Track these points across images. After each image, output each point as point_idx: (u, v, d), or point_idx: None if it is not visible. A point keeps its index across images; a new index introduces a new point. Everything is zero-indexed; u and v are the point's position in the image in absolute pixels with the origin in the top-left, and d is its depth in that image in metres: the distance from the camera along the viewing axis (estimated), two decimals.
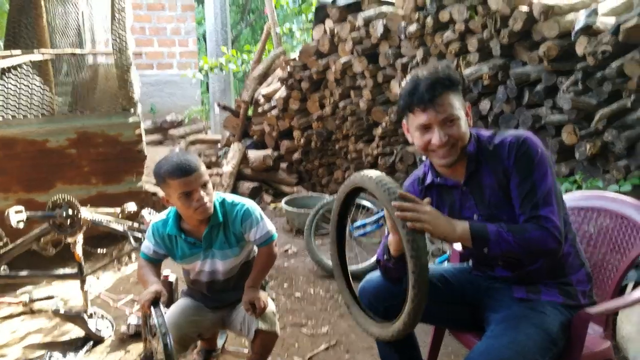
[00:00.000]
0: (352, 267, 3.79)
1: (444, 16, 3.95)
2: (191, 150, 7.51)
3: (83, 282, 2.94)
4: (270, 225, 2.24)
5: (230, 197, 2.23)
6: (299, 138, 5.66)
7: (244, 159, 5.97)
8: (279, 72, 6.21)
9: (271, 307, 2.25)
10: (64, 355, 2.80)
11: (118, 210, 3.00)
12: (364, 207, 4.27)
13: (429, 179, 1.93)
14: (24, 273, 3.15)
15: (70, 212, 2.80)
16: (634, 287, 2.69)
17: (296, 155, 5.83)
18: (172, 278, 2.80)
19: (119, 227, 2.88)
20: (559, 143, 3.32)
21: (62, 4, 5.21)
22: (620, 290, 2.39)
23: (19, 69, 4.02)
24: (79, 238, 2.88)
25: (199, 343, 2.56)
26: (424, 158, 4.11)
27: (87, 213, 2.84)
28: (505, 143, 1.75)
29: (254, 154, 5.98)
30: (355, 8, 4.96)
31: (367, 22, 4.64)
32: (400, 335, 1.68)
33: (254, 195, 5.66)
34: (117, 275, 3.81)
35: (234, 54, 7.65)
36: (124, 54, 4.14)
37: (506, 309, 1.80)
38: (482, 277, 2.00)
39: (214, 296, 2.30)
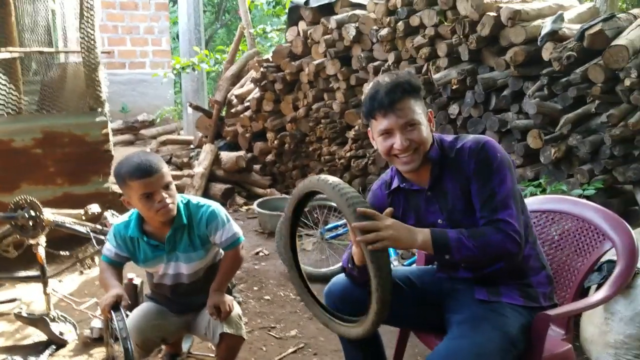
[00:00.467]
0: (323, 270, 3.79)
1: (414, 21, 3.99)
2: (162, 151, 7.43)
3: (45, 284, 2.87)
4: (236, 228, 2.21)
5: (195, 199, 2.20)
6: (272, 139, 5.64)
7: (216, 160, 5.91)
8: (252, 73, 6.18)
9: (237, 310, 2.22)
10: None
11: (82, 211, 2.95)
12: (335, 209, 4.27)
13: (394, 184, 1.94)
14: None
15: (32, 213, 2.74)
16: (597, 289, 2.74)
17: (270, 157, 5.81)
18: (137, 281, 2.76)
19: (82, 229, 2.83)
20: (524, 147, 3.38)
21: (32, 2, 5.11)
22: (582, 292, 2.43)
23: None
24: (42, 240, 2.81)
25: (163, 347, 2.52)
26: None
27: (49, 214, 2.78)
28: (465, 148, 1.78)
29: (226, 155, 5.93)
30: (328, 11, 4.98)
31: (340, 25, 4.66)
32: (359, 337, 1.73)
33: (226, 197, 5.61)
34: (81, 278, 3.74)
35: (207, 54, 7.59)
36: (92, 52, 4.07)
37: (467, 310, 1.82)
38: (446, 278, 2.01)
39: (179, 300, 2.26)
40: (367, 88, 1.90)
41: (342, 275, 2.02)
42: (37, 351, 2.82)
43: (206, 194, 5.56)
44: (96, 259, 3.63)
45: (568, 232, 2.15)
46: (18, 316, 2.84)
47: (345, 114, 4.87)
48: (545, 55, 3.25)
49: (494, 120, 3.55)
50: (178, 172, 6.10)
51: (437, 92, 3.96)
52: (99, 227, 2.90)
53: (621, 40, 3.00)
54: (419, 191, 1.89)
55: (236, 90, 6.41)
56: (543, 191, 3.13)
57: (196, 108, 6.85)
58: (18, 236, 2.82)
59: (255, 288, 3.70)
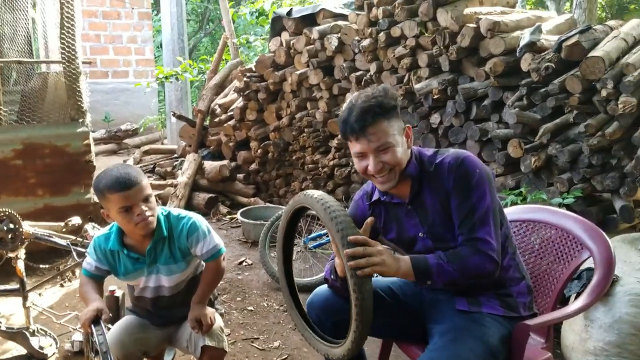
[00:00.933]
0: (306, 280, 3.78)
1: (395, 32, 4.03)
2: (145, 160, 7.39)
3: (25, 298, 2.83)
4: (217, 239, 2.20)
5: (176, 211, 2.19)
6: (256, 149, 5.64)
7: (199, 170, 5.89)
8: (235, 83, 6.18)
9: (219, 322, 2.21)
10: None
11: (62, 224, 2.92)
12: (318, 218, 4.27)
13: (375, 196, 1.95)
14: None
15: (11, 226, 2.70)
16: (576, 297, 2.78)
17: (253, 166, 5.80)
18: (118, 293, 2.72)
19: (62, 242, 2.80)
20: (505, 156, 3.42)
21: (11, 11, 5.06)
22: (563, 300, 2.47)
23: None
24: (21, 253, 2.78)
25: None
26: None
27: (29, 227, 2.75)
28: (445, 163, 1.79)
29: (210, 165, 5.92)
30: (310, 21, 5.01)
31: (322, 35, 4.69)
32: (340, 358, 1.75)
33: (209, 206, 5.59)
34: (62, 290, 3.69)
35: (191, 64, 7.58)
36: (73, 62, 4.04)
37: (448, 320, 1.83)
38: (427, 289, 2.03)
39: (160, 313, 2.24)
40: (344, 106, 1.90)
41: (324, 286, 2.02)
42: None
43: (190, 203, 5.54)
44: (77, 271, 3.58)
45: (548, 240, 2.18)
46: None
47: (328, 123, 4.89)
48: (524, 66, 3.30)
49: (474, 129, 3.59)
50: (161, 182, 6.07)
51: (418, 101, 4.00)
52: (79, 239, 2.86)
53: (598, 52, 3.06)
54: (400, 204, 1.90)
55: (220, 100, 6.41)
56: (524, 200, 3.17)
57: (179, 117, 6.83)
58: None
59: (238, 299, 3.69)
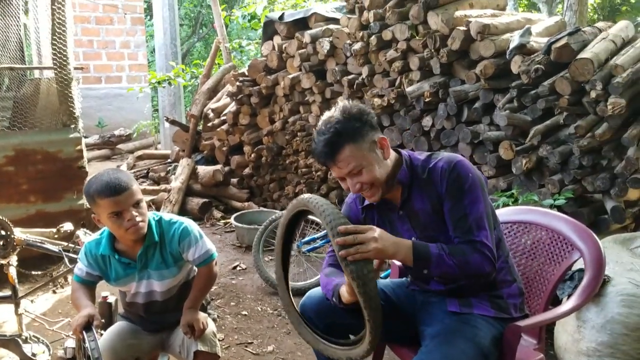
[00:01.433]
0: (300, 283, 3.78)
1: (386, 35, 4.04)
2: (139, 165, 7.37)
3: (17, 305, 2.81)
4: (209, 244, 2.20)
5: (168, 216, 2.19)
6: (249, 153, 5.64)
7: (193, 174, 5.89)
8: (228, 87, 6.19)
9: (211, 327, 2.21)
10: None
11: (54, 230, 2.91)
12: (312, 222, 4.28)
13: (367, 201, 1.96)
14: None
15: (2, 232, 2.69)
16: (568, 298, 2.79)
17: (247, 170, 5.80)
18: (111, 299, 2.72)
19: (54, 248, 2.79)
20: (496, 158, 3.43)
21: (2, 17, 5.06)
22: (554, 301, 2.48)
23: None
24: (13, 260, 2.76)
25: None
26: None
27: (20, 234, 2.74)
28: (438, 168, 1.80)
29: (203, 169, 5.91)
30: (302, 25, 5.02)
31: (314, 39, 4.70)
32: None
33: (203, 211, 5.58)
34: (54, 297, 3.68)
35: (183, 68, 7.58)
36: (65, 68, 4.04)
37: (439, 322, 1.84)
38: (419, 291, 2.04)
39: (152, 318, 2.24)
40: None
41: (317, 289, 2.03)
42: None
43: (183, 208, 5.53)
44: (69, 278, 3.58)
45: (539, 242, 2.19)
46: None
47: None
48: (514, 68, 3.31)
49: (466, 132, 3.60)
50: (155, 187, 6.06)
51: (410, 104, 4.01)
52: (71, 245, 2.86)
53: (586, 54, 3.08)
54: (392, 208, 1.92)
55: (213, 104, 6.41)
56: (515, 201, 3.18)
57: (173, 122, 6.83)
58: None
59: (232, 303, 3.68)
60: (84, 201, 4.11)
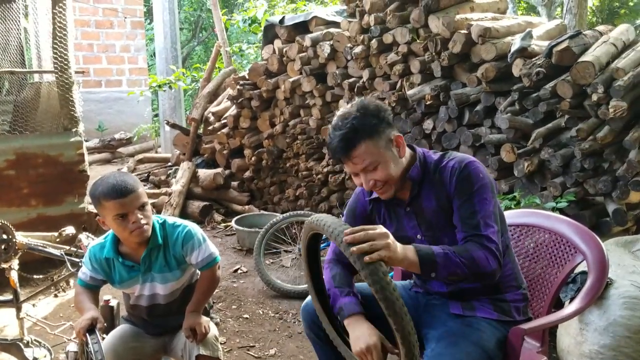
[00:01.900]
0: (302, 286, 3.78)
1: (387, 39, 4.05)
2: (139, 169, 7.37)
3: (19, 309, 2.81)
4: (212, 248, 2.21)
5: (171, 219, 2.19)
6: (250, 156, 5.64)
7: (194, 178, 5.89)
8: (229, 91, 6.19)
9: (213, 331, 2.21)
10: None
11: (55, 234, 2.91)
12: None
13: (375, 194, 1.94)
14: None
15: (4, 236, 2.69)
16: (571, 301, 2.79)
17: (247, 174, 5.80)
18: (113, 303, 2.71)
19: (56, 252, 2.79)
20: (498, 161, 3.43)
21: (2, 21, 5.06)
22: (557, 304, 2.47)
23: None
24: (15, 264, 2.76)
25: None
26: None
27: (22, 237, 2.74)
28: (449, 167, 1.79)
29: (204, 173, 5.92)
30: (303, 29, 5.03)
31: (315, 43, 4.71)
32: None
33: (204, 214, 5.58)
34: (56, 301, 3.67)
35: (184, 72, 7.59)
36: (66, 72, 4.04)
37: (443, 325, 1.84)
38: (422, 293, 2.04)
39: (155, 321, 2.24)
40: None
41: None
42: None
43: (184, 211, 5.53)
44: (71, 281, 3.57)
45: (542, 244, 2.19)
46: None
47: (321, 130, 4.89)
48: (516, 71, 3.32)
49: (467, 134, 3.60)
50: (156, 190, 6.06)
51: (411, 107, 4.02)
52: (73, 249, 2.85)
53: (588, 57, 3.08)
54: (400, 204, 1.91)
55: (213, 108, 6.41)
56: (517, 204, 3.18)
57: (173, 126, 6.83)
58: None
59: (233, 307, 3.68)
60: (85, 205, 4.12)
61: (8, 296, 2.90)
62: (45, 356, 2.87)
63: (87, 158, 4.27)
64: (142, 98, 8.82)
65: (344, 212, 2.09)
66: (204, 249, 2.15)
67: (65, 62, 4.07)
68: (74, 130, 4.10)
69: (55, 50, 4.09)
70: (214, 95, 6.69)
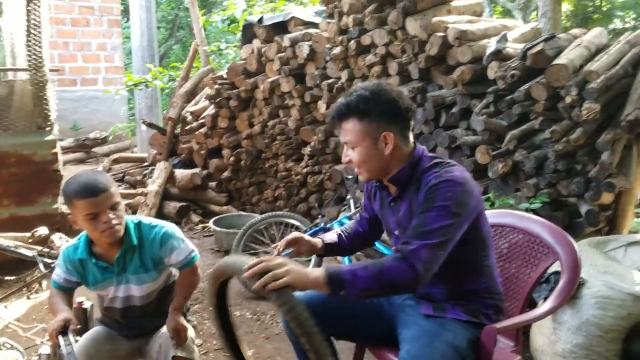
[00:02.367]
0: None
1: (365, 40, 4.07)
2: (115, 169, 7.28)
3: None
4: (192, 246, 2.19)
5: (147, 220, 2.17)
6: (228, 156, 5.61)
7: (170, 178, 5.83)
8: (207, 90, 6.16)
9: (190, 333, 2.19)
10: None
11: (28, 234, 2.86)
12: (292, 225, 4.27)
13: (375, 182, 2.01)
14: None
15: None
16: (545, 300, 2.83)
17: (226, 174, 5.76)
18: (86, 305, 2.67)
19: (28, 253, 2.74)
20: (473, 163, 3.47)
21: None
22: (531, 303, 2.51)
23: None
24: None
25: None
26: (349, 177, 4.17)
27: None
28: (427, 179, 1.76)
29: (181, 173, 5.86)
30: (281, 29, 5.02)
31: (294, 43, 4.70)
32: None
33: (181, 215, 5.54)
34: (29, 302, 3.60)
35: (161, 71, 7.52)
36: (40, 70, 3.98)
37: (416, 325, 1.85)
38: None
39: (130, 324, 2.21)
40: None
41: (299, 294, 2.03)
42: None
43: (160, 212, 5.47)
44: (44, 283, 3.52)
45: (516, 244, 2.22)
46: None
47: (300, 131, 4.90)
48: (491, 74, 3.36)
49: (444, 136, 3.64)
50: (131, 191, 5.99)
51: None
52: (46, 250, 2.81)
53: (562, 60, 3.14)
54: (388, 197, 1.95)
55: (191, 107, 6.36)
56: (492, 205, 3.22)
57: (149, 125, 6.76)
58: None
59: (210, 308, 3.64)
60: (58, 205, 4.05)
61: None
62: (17, 359, 2.81)
63: (61, 157, 4.21)
64: (117, 97, 8.71)
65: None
66: (184, 248, 2.14)
67: (40, 60, 4.01)
68: (47, 129, 4.04)
69: (29, 48, 4.02)
70: (191, 95, 6.64)
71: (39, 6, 4.07)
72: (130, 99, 10.98)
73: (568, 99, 3.06)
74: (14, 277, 3.21)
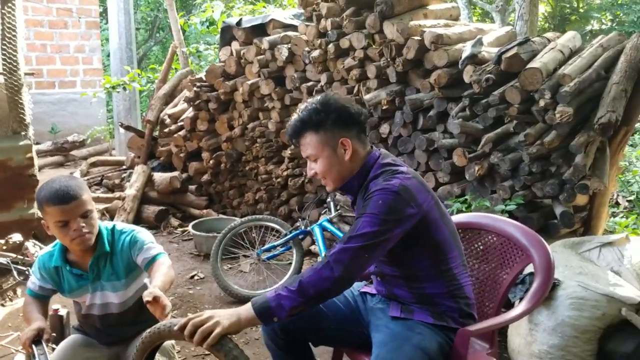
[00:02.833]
0: (260, 291, 3.76)
1: (344, 43, 4.08)
2: (93, 172, 7.20)
3: None
4: (160, 248, 2.10)
5: (120, 225, 2.15)
6: (208, 159, 5.58)
7: (149, 181, 5.78)
8: (185, 93, 6.12)
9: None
10: None
11: (2, 241, 2.82)
12: (272, 229, 4.27)
13: None
14: None
15: None
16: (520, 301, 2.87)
17: (205, 177, 5.73)
18: (62, 312, 2.64)
19: (2, 260, 2.70)
20: (451, 165, 3.50)
21: None
22: (507, 304, 2.54)
23: None
24: None
25: None
26: None
27: None
28: (370, 187, 1.83)
29: (160, 176, 5.81)
30: (260, 31, 5.01)
31: (273, 46, 4.70)
32: None
33: (160, 219, 5.49)
34: (3, 310, 3.55)
35: (139, 73, 7.45)
36: (15, 74, 3.92)
37: (385, 327, 1.88)
38: (370, 295, 2.09)
39: (108, 330, 2.19)
40: None
41: None
42: None
43: (139, 216, 5.42)
44: (18, 290, 3.47)
45: (491, 246, 2.24)
46: None
47: (280, 133, 4.89)
48: (466, 77, 3.40)
49: (422, 139, 3.67)
50: (109, 195, 5.92)
51: (368, 112, 4.06)
52: (20, 257, 2.77)
53: (535, 63, 3.18)
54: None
55: (169, 110, 6.31)
56: (469, 207, 3.25)
57: (127, 128, 6.69)
58: None
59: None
60: (34, 210, 4.00)
61: None
62: None
63: (37, 162, 4.16)
64: (95, 99, 8.60)
65: None
66: (153, 247, 2.07)
67: (15, 64, 3.95)
68: (23, 133, 3.98)
69: (4, 52, 3.96)
70: (170, 97, 6.58)
71: (14, 9, 4.00)
72: (108, 102, 10.87)
73: (542, 103, 3.10)
74: None
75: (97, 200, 5.36)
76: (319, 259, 3.69)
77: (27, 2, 9.04)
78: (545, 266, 2.03)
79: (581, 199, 3.27)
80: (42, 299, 2.14)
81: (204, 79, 5.48)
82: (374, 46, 3.91)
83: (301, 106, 1.91)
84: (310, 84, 4.51)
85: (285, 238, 3.95)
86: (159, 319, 1.79)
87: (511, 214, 3.06)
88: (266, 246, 4.04)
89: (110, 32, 8.37)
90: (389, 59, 3.77)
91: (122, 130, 7.31)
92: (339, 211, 4.00)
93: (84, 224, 1.93)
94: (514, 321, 2.18)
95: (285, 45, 4.62)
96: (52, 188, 1.91)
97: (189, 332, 1.58)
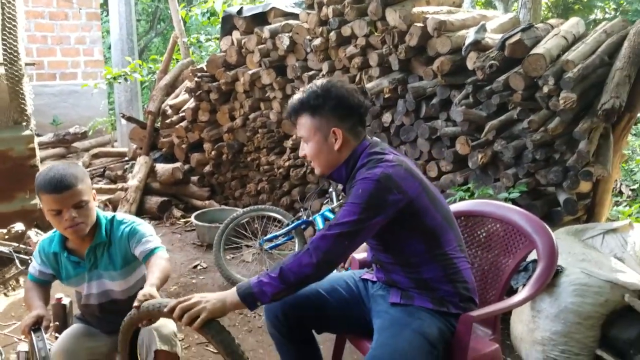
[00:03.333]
0: None
1: (346, 31, 4.05)
2: (95, 164, 7.20)
3: None
4: (158, 242, 2.10)
5: (121, 216, 2.14)
6: (209, 150, 5.56)
7: (151, 173, 5.77)
8: (187, 83, 6.09)
9: (172, 327, 2.16)
10: None
11: (4, 231, 2.82)
12: (274, 219, 4.26)
13: None
14: None
15: None
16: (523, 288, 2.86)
17: (207, 168, 5.72)
18: (65, 301, 2.64)
19: (4, 249, 2.70)
20: (453, 153, 3.48)
21: None
22: (510, 291, 2.53)
23: None
24: None
25: None
26: None
27: None
28: (356, 177, 1.85)
29: (162, 167, 5.81)
30: (261, 20, 4.98)
31: (274, 34, 4.66)
32: None
33: (162, 210, 5.48)
34: (6, 300, 3.56)
35: (140, 64, 7.42)
36: (15, 64, 3.91)
37: (385, 313, 1.89)
38: (371, 282, 2.09)
39: (109, 319, 2.18)
40: None
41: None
42: None
43: (141, 207, 5.42)
44: (21, 280, 3.47)
45: (494, 234, 2.24)
46: None
47: (282, 124, 4.87)
48: (470, 64, 3.37)
49: (424, 127, 3.65)
50: (112, 186, 5.93)
51: (370, 101, 4.04)
52: (22, 246, 2.77)
53: (539, 49, 3.15)
54: None
55: (171, 101, 6.29)
56: (472, 195, 3.24)
57: (129, 119, 6.68)
58: None
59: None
60: (36, 201, 4.00)
61: None
62: None
63: (39, 153, 4.15)
64: (97, 91, 8.59)
65: None
66: (150, 239, 2.06)
67: (15, 54, 3.93)
68: (24, 124, 3.98)
69: (4, 42, 3.94)
70: (171, 88, 6.56)
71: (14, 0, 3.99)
72: (110, 93, 10.85)
73: (545, 89, 3.08)
74: None
75: (100, 191, 5.36)
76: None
77: None
78: (548, 251, 2.03)
79: (584, 186, 3.25)
80: (42, 284, 2.14)
81: (205, 69, 5.46)
82: (376, 33, 3.88)
83: (306, 87, 1.95)
84: (311, 73, 4.47)
85: (287, 228, 3.95)
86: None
87: (514, 202, 3.04)
88: (268, 236, 4.04)
89: (111, 23, 8.34)
90: (391, 47, 3.74)
91: (123, 121, 7.30)
92: (341, 201, 3.99)
93: (76, 215, 1.92)
94: (517, 306, 2.18)
95: (287, 34, 4.59)
96: (48, 175, 1.90)
97: (177, 315, 1.66)
